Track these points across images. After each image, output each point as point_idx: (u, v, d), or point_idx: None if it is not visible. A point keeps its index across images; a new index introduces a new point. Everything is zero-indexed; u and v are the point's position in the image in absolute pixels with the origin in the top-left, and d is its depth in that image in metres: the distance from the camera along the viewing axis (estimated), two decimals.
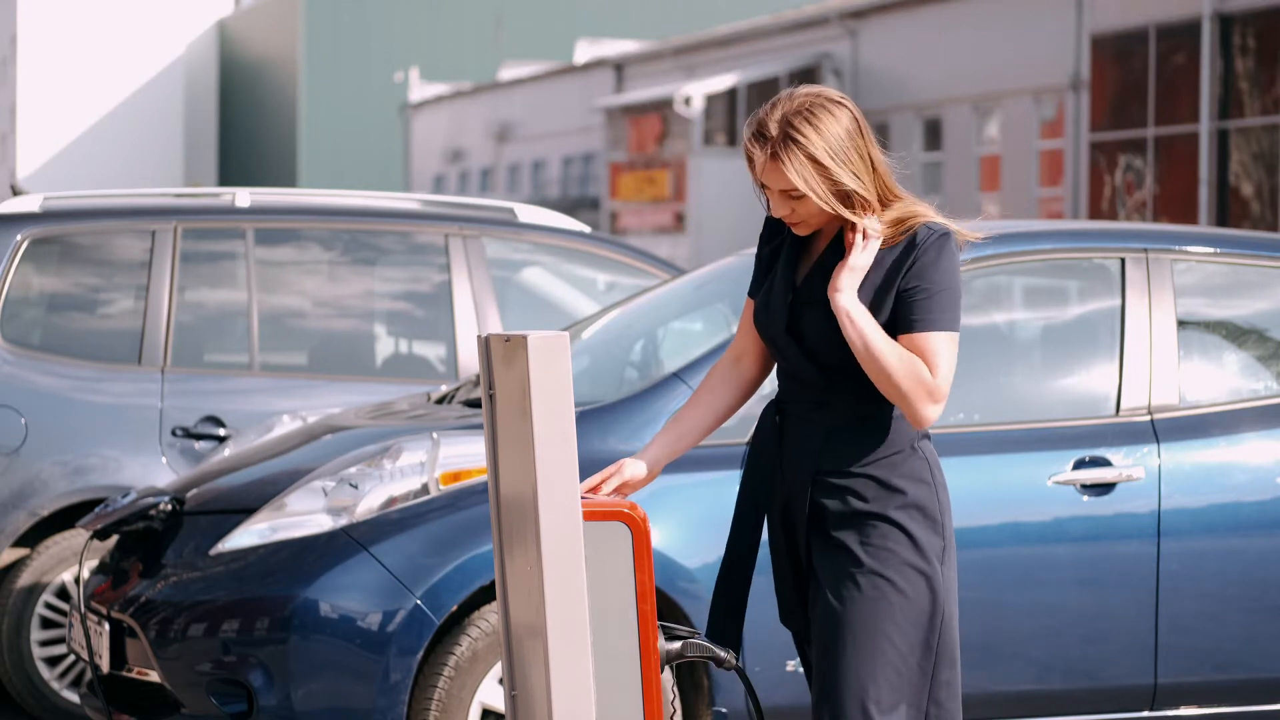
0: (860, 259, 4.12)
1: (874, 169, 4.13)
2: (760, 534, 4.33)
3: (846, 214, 4.13)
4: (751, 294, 4.37)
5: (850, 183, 4.10)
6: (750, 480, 4.34)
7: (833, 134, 4.09)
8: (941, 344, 4.11)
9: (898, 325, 4.14)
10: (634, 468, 4.31)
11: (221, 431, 7.76)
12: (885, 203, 4.16)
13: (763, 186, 4.19)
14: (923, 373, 4.08)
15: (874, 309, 4.14)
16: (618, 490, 4.28)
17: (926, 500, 4.20)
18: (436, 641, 5.92)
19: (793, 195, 4.13)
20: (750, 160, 4.15)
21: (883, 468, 4.19)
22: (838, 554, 4.20)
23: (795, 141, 4.08)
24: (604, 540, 4.04)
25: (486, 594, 5.92)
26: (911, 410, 4.10)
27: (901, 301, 4.14)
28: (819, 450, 4.22)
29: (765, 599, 5.82)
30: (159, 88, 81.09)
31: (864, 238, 4.13)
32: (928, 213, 4.18)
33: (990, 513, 6.16)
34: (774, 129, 4.10)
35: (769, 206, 4.20)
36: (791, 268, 4.28)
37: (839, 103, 4.13)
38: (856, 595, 4.16)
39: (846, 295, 4.11)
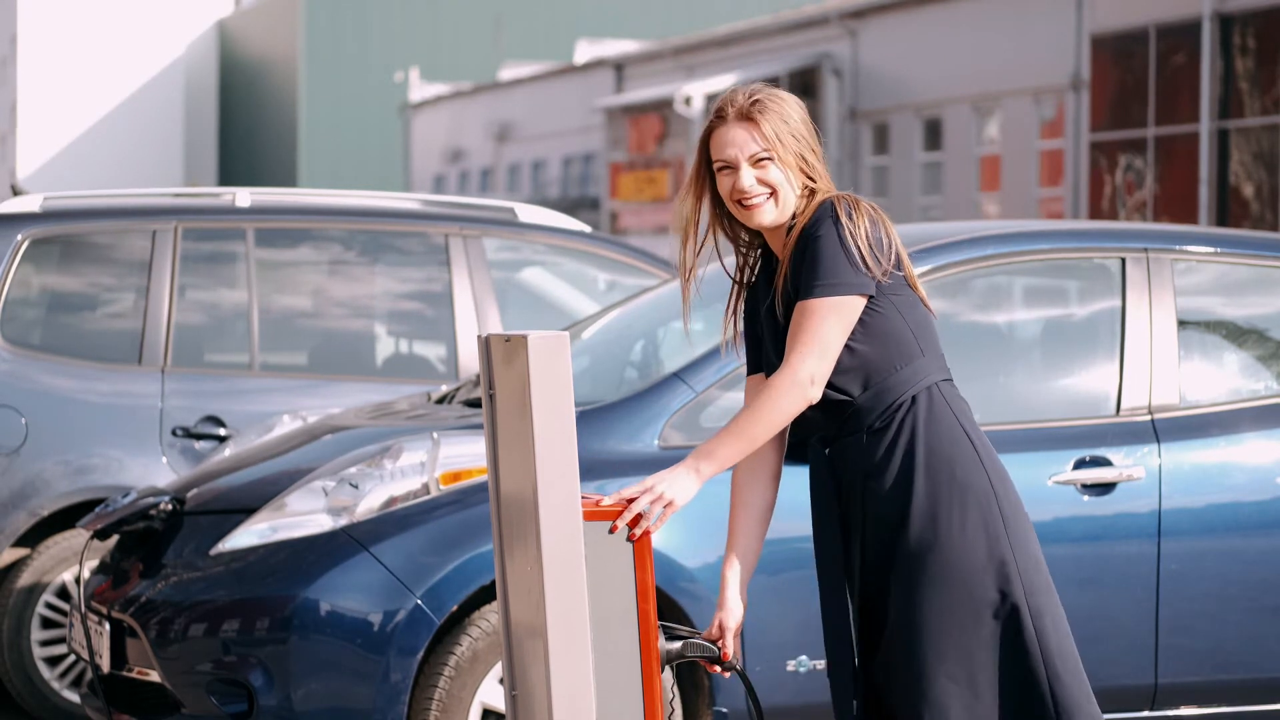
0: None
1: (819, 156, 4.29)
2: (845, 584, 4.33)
3: (798, 185, 4.21)
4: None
5: (810, 156, 4.23)
6: (822, 525, 4.34)
7: (795, 113, 4.26)
8: (806, 313, 4.15)
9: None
10: (732, 613, 4.29)
11: (222, 431, 7.76)
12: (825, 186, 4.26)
13: (720, 170, 4.23)
14: (768, 398, 4.12)
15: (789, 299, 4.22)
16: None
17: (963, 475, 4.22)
18: (437, 641, 5.91)
19: (759, 161, 4.21)
20: (708, 137, 4.24)
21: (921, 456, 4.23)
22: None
23: (769, 106, 4.23)
24: (604, 540, 4.04)
25: (487, 594, 5.92)
26: (800, 407, 4.14)
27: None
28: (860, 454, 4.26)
29: (764, 596, 5.82)
30: (159, 88, 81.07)
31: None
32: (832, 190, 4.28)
33: None
34: (743, 99, 4.24)
35: (731, 191, 4.22)
36: (769, 302, 4.32)
37: (791, 95, 4.30)
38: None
39: (692, 478, 4.13)
